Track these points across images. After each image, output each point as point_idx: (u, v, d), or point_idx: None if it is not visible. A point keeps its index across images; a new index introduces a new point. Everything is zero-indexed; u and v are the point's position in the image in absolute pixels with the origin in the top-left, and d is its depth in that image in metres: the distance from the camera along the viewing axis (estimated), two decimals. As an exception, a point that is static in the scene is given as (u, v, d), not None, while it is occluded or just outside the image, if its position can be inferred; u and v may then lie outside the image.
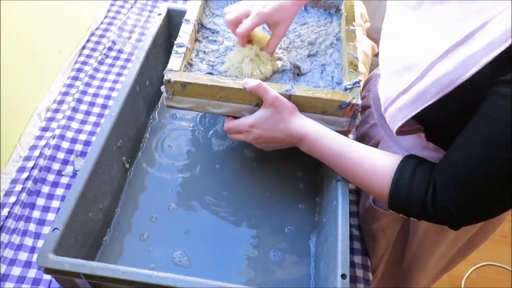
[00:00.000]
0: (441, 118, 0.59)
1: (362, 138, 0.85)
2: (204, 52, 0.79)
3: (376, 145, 0.79)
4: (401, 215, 0.62)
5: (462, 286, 1.60)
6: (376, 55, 1.28)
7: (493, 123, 0.48)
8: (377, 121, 0.80)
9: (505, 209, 0.55)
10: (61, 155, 0.85)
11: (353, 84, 0.70)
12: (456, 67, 0.49)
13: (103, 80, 1.00)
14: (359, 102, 0.68)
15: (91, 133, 0.90)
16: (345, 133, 0.71)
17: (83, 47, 1.07)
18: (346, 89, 0.70)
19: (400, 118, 0.58)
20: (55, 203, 0.79)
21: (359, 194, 0.87)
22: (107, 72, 1.02)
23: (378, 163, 0.62)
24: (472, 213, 0.55)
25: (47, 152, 0.85)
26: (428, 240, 0.79)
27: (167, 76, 0.69)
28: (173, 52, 0.73)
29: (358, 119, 0.70)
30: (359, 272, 0.76)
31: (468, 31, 0.49)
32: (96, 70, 1.02)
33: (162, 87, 0.71)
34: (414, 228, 0.78)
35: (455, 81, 0.49)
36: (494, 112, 0.48)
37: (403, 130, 0.61)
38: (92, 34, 1.10)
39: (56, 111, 0.94)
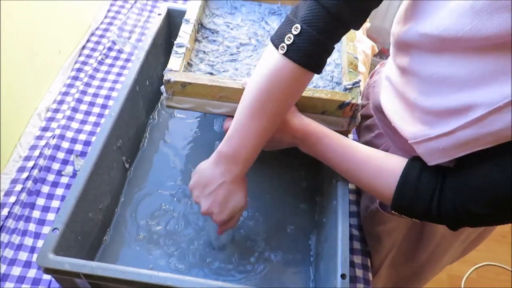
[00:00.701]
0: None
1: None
2: (204, 52, 0.79)
3: None
4: (403, 216, 0.61)
5: (462, 286, 1.60)
6: (376, 55, 1.28)
7: None
8: (382, 131, 0.79)
9: None
10: (61, 155, 0.85)
11: (353, 84, 0.70)
12: None
13: (103, 80, 1.00)
14: (359, 102, 0.68)
15: (91, 133, 0.90)
16: (345, 133, 0.71)
17: (83, 47, 1.07)
18: (345, 89, 0.70)
19: (443, 156, 0.55)
20: (55, 203, 0.79)
21: (359, 194, 0.87)
22: (107, 72, 1.02)
23: (382, 164, 0.61)
24: (484, 220, 0.55)
25: (47, 152, 0.85)
26: (444, 242, 0.79)
27: (167, 76, 0.69)
28: (173, 52, 0.73)
29: (358, 119, 0.70)
30: (359, 272, 0.76)
31: None
32: (96, 70, 1.02)
33: (162, 87, 0.71)
34: (431, 233, 0.77)
35: None
36: None
37: None
38: (92, 34, 1.10)
39: (56, 111, 0.94)
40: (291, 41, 0.56)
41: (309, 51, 0.56)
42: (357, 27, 0.59)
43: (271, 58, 0.59)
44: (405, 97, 0.61)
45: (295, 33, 0.56)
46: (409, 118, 0.60)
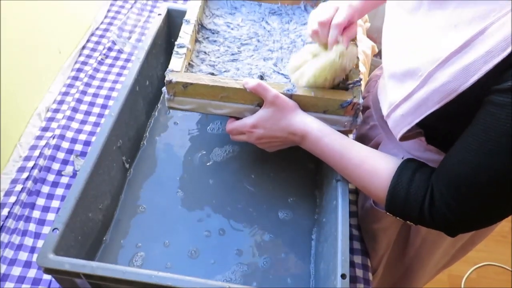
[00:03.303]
0: (443, 122, 0.59)
1: (362, 139, 0.84)
2: (205, 52, 0.79)
3: (376, 146, 0.79)
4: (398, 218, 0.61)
5: (462, 286, 1.60)
6: (376, 55, 1.28)
7: (487, 132, 0.48)
8: (376, 123, 0.80)
9: (501, 217, 0.55)
10: (61, 155, 0.85)
11: (354, 83, 0.69)
12: (457, 75, 0.49)
13: (103, 80, 1.00)
14: (361, 101, 0.68)
15: (91, 133, 0.90)
16: (347, 132, 0.71)
17: (83, 47, 1.07)
18: (347, 88, 0.70)
19: (404, 124, 0.58)
20: (55, 203, 0.79)
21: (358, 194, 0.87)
22: (107, 72, 1.02)
23: (378, 165, 0.62)
24: (467, 220, 0.55)
25: (47, 152, 0.85)
26: (430, 238, 0.79)
27: (169, 77, 0.69)
28: (174, 52, 0.73)
29: (360, 118, 0.70)
30: (359, 272, 0.76)
31: (465, 38, 0.48)
32: (96, 70, 1.02)
33: (164, 88, 0.71)
34: (417, 227, 0.78)
35: (457, 89, 0.49)
36: (488, 121, 0.48)
37: (405, 136, 0.60)
38: (92, 34, 1.10)
39: (56, 111, 0.94)
40: None
41: None
42: None
43: None
44: (384, 68, 0.65)
45: None
46: (385, 90, 0.63)
